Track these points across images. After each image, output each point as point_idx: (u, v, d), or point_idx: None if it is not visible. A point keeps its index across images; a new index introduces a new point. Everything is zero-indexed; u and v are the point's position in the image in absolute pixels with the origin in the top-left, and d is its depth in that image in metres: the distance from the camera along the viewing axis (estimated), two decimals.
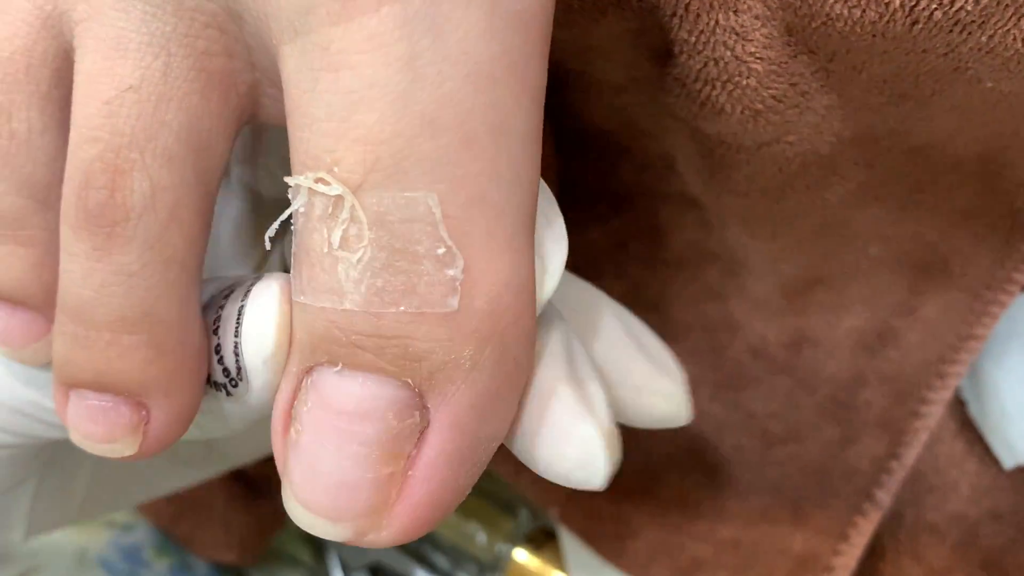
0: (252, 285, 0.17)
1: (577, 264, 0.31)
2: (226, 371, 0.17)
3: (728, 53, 0.20)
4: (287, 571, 0.41)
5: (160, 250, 0.15)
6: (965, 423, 0.31)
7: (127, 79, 0.15)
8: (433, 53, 0.14)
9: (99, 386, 0.16)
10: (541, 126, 0.15)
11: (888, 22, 0.18)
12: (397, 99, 0.14)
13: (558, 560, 0.36)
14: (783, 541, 0.31)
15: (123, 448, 0.17)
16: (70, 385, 0.17)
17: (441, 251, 0.14)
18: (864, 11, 0.18)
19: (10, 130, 0.17)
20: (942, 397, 0.28)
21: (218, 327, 0.17)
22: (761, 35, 0.20)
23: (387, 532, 0.15)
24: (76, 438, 0.17)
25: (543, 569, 0.37)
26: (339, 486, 0.15)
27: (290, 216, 0.15)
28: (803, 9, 0.19)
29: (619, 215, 0.30)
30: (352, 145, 0.14)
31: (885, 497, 0.30)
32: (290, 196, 0.15)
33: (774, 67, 0.20)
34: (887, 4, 0.18)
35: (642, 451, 0.32)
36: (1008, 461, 0.31)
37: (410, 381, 0.15)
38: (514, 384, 0.16)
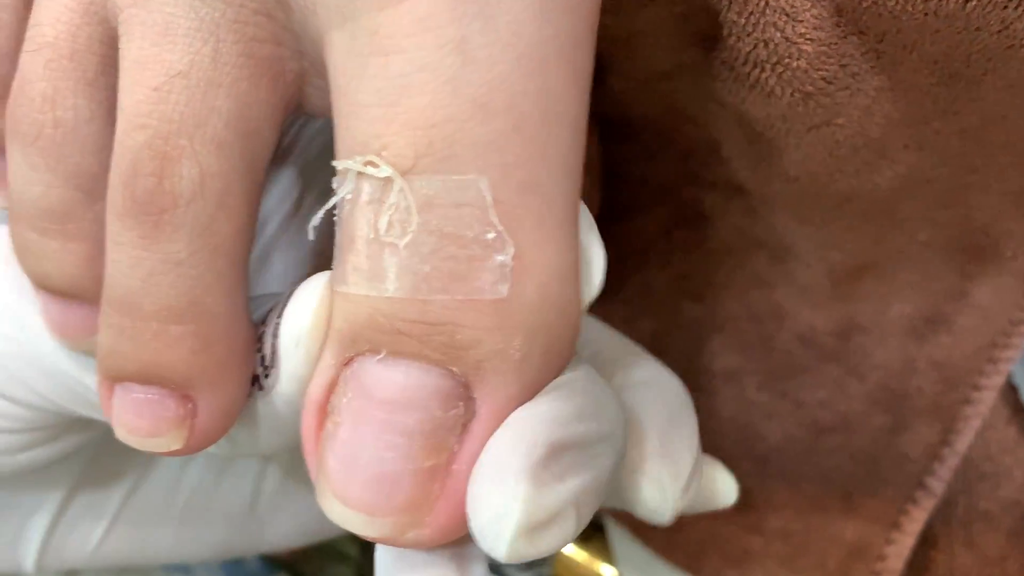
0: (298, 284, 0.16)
1: (622, 253, 0.31)
2: (262, 358, 0.16)
3: (778, 34, 0.20)
4: (334, 565, 0.41)
5: (208, 238, 0.15)
6: (1018, 409, 0.31)
7: (176, 65, 0.15)
8: (483, 36, 0.14)
9: (145, 378, 0.16)
10: (587, 113, 0.15)
11: (940, 0, 0.18)
12: (448, 82, 0.14)
13: (606, 553, 0.36)
14: (834, 530, 0.30)
15: (169, 442, 0.16)
16: (115, 378, 0.16)
17: (491, 236, 0.14)
18: None
19: (55, 118, 0.16)
20: (994, 383, 0.28)
21: (265, 319, 0.17)
22: (811, 15, 0.20)
23: (429, 530, 0.15)
24: (121, 434, 0.17)
25: (591, 562, 0.37)
26: (379, 479, 0.14)
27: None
28: None
29: (663, 203, 0.29)
30: (402, 130, 0.14)
31: (937, 485, 0.29)
32: (335, 185, 0.15)
33: (824, 48, 0.20)
34: None
35: None
36: None
37: (455, 370, 0.14)
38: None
